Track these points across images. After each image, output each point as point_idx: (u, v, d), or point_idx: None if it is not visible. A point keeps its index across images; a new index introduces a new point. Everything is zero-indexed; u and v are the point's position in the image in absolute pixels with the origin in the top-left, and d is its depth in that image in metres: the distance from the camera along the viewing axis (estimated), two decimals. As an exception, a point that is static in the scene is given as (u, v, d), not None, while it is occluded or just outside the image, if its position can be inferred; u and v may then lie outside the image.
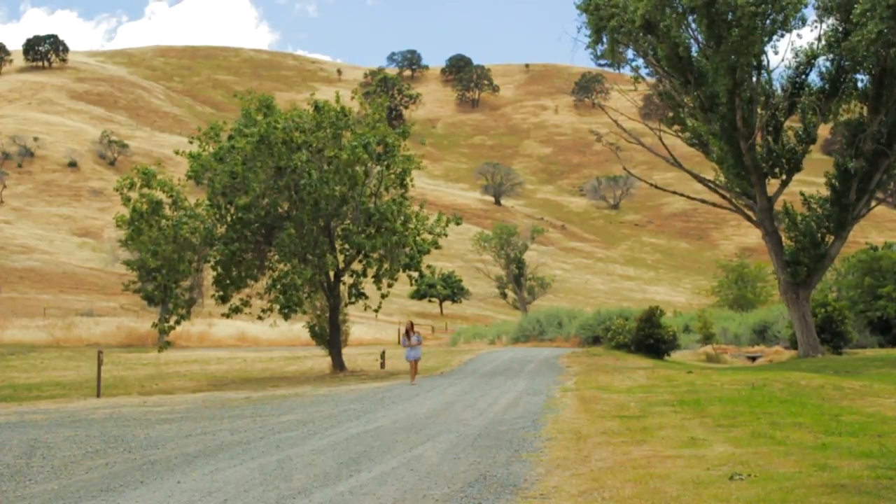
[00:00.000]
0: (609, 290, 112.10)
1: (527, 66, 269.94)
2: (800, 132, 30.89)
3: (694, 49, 29.65)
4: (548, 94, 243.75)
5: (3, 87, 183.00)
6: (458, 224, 30.43)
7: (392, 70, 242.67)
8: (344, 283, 29.35)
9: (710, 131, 30.33)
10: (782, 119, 30.95)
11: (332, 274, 28.73)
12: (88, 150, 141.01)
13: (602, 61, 31.50)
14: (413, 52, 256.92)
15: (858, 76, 29.71)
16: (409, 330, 23.92)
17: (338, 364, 28.57)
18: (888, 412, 13.17)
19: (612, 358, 30.48)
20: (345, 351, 30.26)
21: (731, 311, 53.22)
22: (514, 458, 10.17)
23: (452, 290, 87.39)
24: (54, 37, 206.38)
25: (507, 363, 29.73)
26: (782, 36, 28.11)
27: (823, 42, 29.33)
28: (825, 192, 30.94)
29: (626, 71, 32.43)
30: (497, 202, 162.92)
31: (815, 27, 29.53)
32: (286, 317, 27.75)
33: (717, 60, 27.43)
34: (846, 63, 28.77)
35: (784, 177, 31.01)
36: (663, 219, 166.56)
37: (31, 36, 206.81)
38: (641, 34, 29.06)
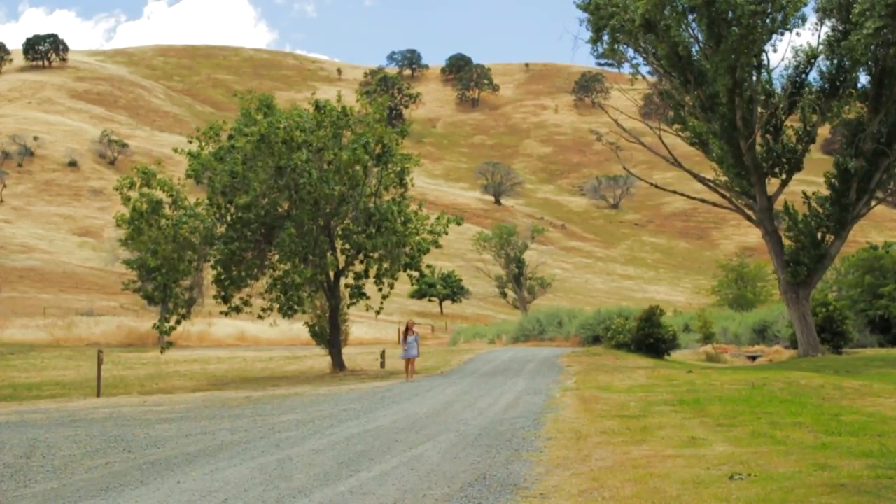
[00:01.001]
0: (609, 290, 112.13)
1: (527, 65, 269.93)
2: (800, 132, 30.88)
3: (694, 48, 29.65)
4: (548, 93, 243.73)
5: (3, 86, 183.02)
6: (459, 224, 30.42)
7: (392, 70, 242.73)
8: (347, 286, 29.34)
9: (710, 130, 30.33)
10: (782, 118, 30.95)
11: (332, 273, 28.72)
12: (88, 149, 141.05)
13: (602, 60, 31.52)
14: (413, 52, 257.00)
15: (858, 75, 29.73)
16: (409, 328, 24.55)
17: (338, 363, 28.57)
18: (888, 412, 13.17)
19: (612, 357, 30.47)
20: (345, 350, 30.26)
21: (731, 310, 53.22)
22: (514, 458, 10.16)
23: (452, 289, 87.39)
24: (54, 36, 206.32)
25: (507, 363, 29.72)
26: (782, 35, 28.15)
27: (823, 40, 29.34)
28: (825, 192, 30.95)
29: (627, 70, 32.47)
30: (497, 202, 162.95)
31: (816, 31, 29.58)
32: (286, 316, 27.75)
33: (717, 60, 27.43)
34: (846, 62, 28.78)
35: (784, 176, 31.01)
36: (663, 218, 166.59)
37: (30, 35, 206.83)
38: (641, 33, 29.06)
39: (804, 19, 28.03)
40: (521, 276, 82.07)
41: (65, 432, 13.57)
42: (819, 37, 29.54)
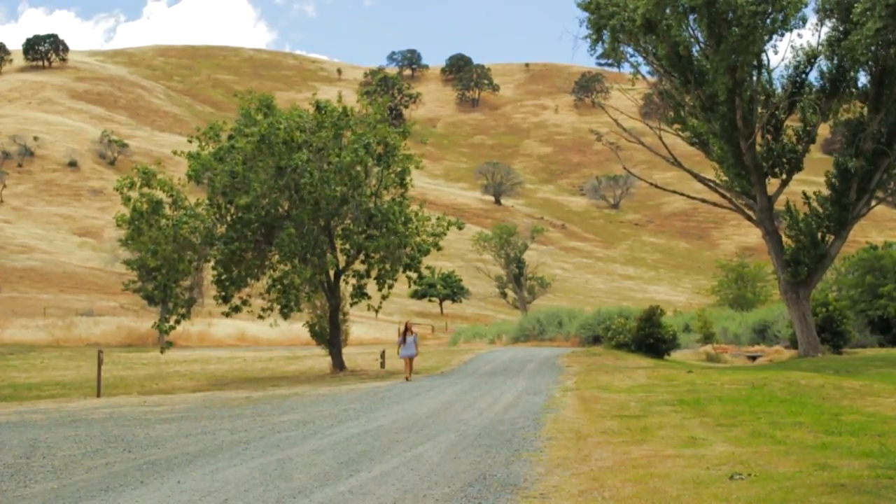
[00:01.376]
0: (609, 290, 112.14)
1: (527, 65, 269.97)
2: (800, 131, 30.89)
3: (694, 48, 29.65)
4: (548, 93, 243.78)
5: (3, 86, 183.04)
6: (460, 228, 30.40)
7: (392, 70, 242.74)
8: (347, 283, 29.35)
9: (711, 130, 30.33)
10: (782, 118, 30.96)
11: (332, 273, 28.73)
12: (88, 149, 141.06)
13: (602, 60, 31.51)
14: (413, 52, 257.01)
15: (859, 75, 29.75)
16: (408, 328, 24.80)
17: (338, 363, 28.57)
18: (888, 412, 13.17)
19: (613, 357, 30.47)
20: (345, 350, 30.27)
21: (731, 310, 53.23)
22: (515, 458, 10.16)
23: (452, 289, 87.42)
24: (54, 36, 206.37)
25: (507, 363, 29.72)
26: (782, 35, 28.16)
27: (824, 40, 29.35)
28: (825, 192, 30.95)
29: (627, 70, 32.47)
30: (497, 202, 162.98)
31: (816, 31, 29.58)
32: (286, 316, 27.75)
33: (718, 60, 27.44)
34: (846, 62, 28.79)
35: (784, 176, 31.02)
36: (663, 218, 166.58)
37: (29, 36, 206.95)
38: (642, 33, 29.06)
39: (805, 20, 28.04)
40: (521, 276, 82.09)
41: (65, 432, 13.57)
42: (819, 37, 29.57)
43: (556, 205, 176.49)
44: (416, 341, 24.83)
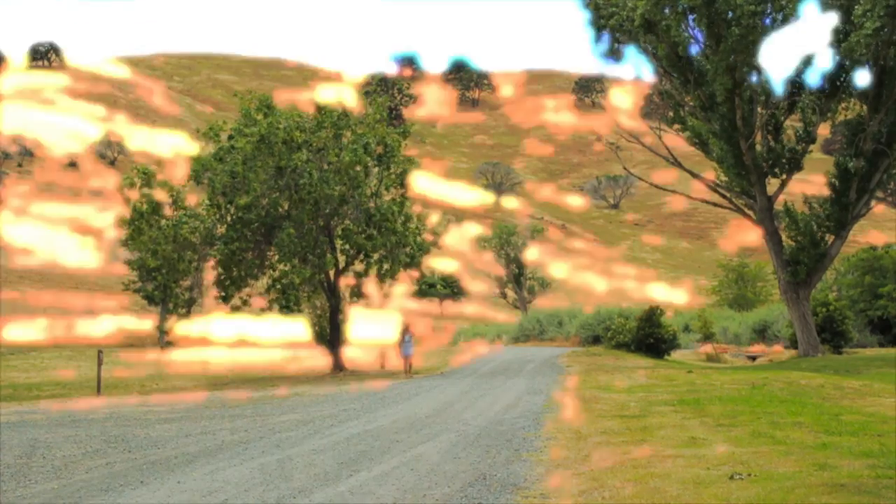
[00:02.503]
0: (609, 290, 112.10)
1: (527, 70, 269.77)
2: (800, 131, 30.87)
3: (694, 48, 29.65)
4: (548, 93, 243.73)
5: (2, 86, 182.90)
6: (460, 224, 30.43)
7: (392, 71, 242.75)
8: (349, 287, 29.36)
9: (710, 130, 30.32)
10: (782, 118, 30.93)
11: (332, 274, 28.72)
12: (88, 149, 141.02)
13: (604, 60, 31.47)
14: (413, 56, 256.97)
15: (858, 75, 29.71)
16: (406, 329, 25.05)
17: (338, 364, 28.57)
18: (888, 412, 13.16)
19: (613, 357, 30.47)
20: (344, 350, 30.26)
21: (731, 310, 53.22)
22: (515, 458, 10.16)
23: (452, 289, 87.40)
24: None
25: (508, 363, 29.72)
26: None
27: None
28: (825, 192, 30.93)
29: (628, 72, 32.45)
30: (497, 202, 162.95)
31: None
32: (285, 316, 27.77)
33: (717, 60, 27.43)
34: (846, 62, 28.76)
35: (784, 176, 31.00)
36: (663, 218, 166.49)
37: (29, 37, 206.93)
38: (641, 33, 29.04)
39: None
40: (521, 277, 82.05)
41: (65, 432, 13.56)
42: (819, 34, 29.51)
43: (556, 205, 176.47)
44: (412, 341, 25.25)
